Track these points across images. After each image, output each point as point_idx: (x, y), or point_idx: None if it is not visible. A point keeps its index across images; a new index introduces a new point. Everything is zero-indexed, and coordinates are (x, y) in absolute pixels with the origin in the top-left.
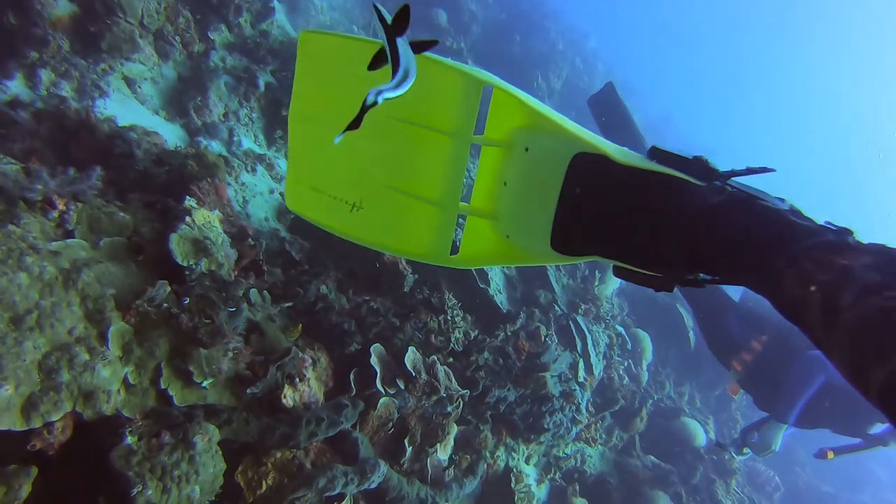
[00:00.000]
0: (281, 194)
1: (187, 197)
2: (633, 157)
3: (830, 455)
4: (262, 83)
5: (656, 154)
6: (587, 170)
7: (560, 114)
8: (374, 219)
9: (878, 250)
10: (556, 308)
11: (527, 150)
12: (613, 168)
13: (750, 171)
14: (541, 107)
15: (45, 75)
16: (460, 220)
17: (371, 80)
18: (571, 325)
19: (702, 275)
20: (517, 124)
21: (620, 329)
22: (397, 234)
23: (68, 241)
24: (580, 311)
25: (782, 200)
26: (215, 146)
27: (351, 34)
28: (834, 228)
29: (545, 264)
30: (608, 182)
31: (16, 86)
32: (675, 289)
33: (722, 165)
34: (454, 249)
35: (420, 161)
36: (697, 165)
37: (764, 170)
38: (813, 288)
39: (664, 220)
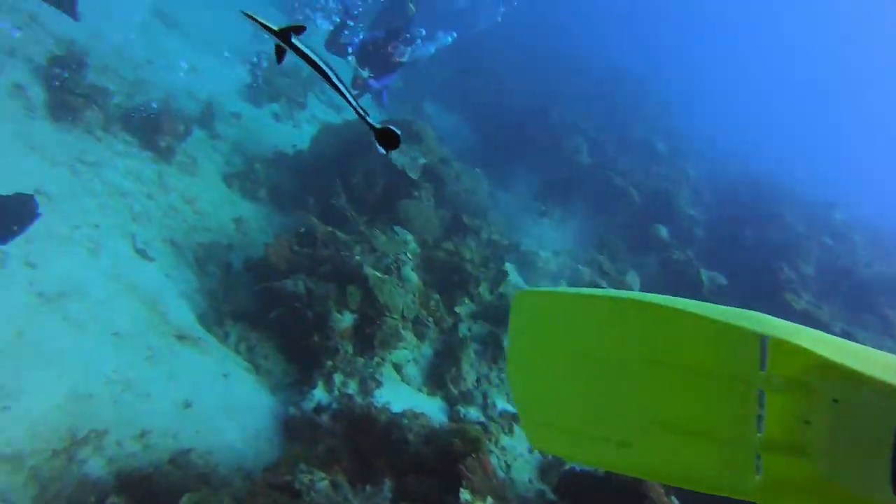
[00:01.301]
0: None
1: (462, 491)
2: None
3: None
4: (506, 343)
5: None
6: None
7: (882, 353)
8: (648, 452)
9: None
10: None
11: (835, 401)
12: None
13: None
14: (853, 359)
15: (338, 378)
16: None
17: (583, 331)
18: None
19: None
20: (813, 364)
21: None
22: (681, 466)
23: None
24: None
25: None
26: (473, 412)
27: (559, 289)
28: None
29: None
30: None
31: (318, 392)
32: None
33: None
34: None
35: (694, 399)
36: None
37: None
38: None
39: None
